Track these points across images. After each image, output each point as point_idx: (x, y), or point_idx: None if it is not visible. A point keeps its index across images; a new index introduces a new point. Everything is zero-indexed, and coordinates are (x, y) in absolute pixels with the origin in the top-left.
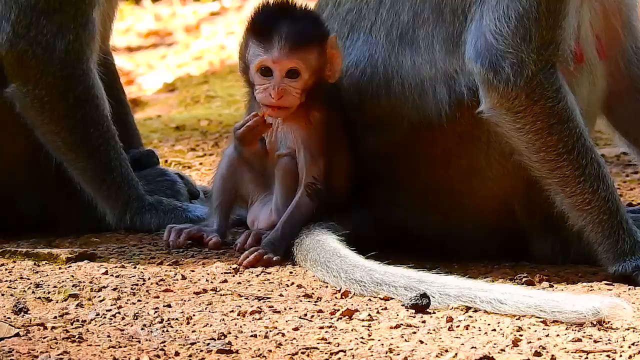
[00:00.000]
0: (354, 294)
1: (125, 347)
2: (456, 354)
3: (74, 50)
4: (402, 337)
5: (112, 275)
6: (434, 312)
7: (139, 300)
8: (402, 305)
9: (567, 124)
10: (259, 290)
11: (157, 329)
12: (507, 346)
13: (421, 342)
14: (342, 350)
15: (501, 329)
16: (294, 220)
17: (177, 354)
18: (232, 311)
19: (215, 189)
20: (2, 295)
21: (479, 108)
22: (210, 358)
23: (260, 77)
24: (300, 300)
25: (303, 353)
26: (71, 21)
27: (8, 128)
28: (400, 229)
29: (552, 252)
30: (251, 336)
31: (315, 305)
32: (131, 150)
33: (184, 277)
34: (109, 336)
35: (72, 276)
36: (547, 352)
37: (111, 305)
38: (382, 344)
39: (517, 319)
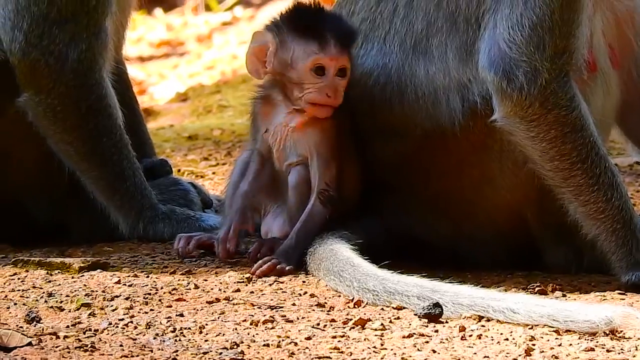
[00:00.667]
0: (367, 303)
1: (137, 356)
2: None
3: (87, 60)
4: (415, 346)
5: (124, 284)
6: (447, 322)
7: (151, 310)
8: (415, 314)
9: (580, 133)
10: (271, 300)
11: (169, 338)
12: (519, 355)
13: (434, 351)
14: None
15: (514, 339)
16: (307, 228)
17: None
18: (244, 320)
19: (227, 197)
20: (15, 304)
21: (492, 117)
22: None
23: (314, 76)
24: (313, 310)
25: None
26: (84, 30)
27: (21, 137)
28: (412, 238)
29: (565, 261)
30: (264, 345)
31: (328, 314)
32: (144, 160)
33: (196, 287)
34: (121, 345)
35: (85, 285)
36: None
37: (124, 314)
38: (395, 354)
39: (529, 329)
